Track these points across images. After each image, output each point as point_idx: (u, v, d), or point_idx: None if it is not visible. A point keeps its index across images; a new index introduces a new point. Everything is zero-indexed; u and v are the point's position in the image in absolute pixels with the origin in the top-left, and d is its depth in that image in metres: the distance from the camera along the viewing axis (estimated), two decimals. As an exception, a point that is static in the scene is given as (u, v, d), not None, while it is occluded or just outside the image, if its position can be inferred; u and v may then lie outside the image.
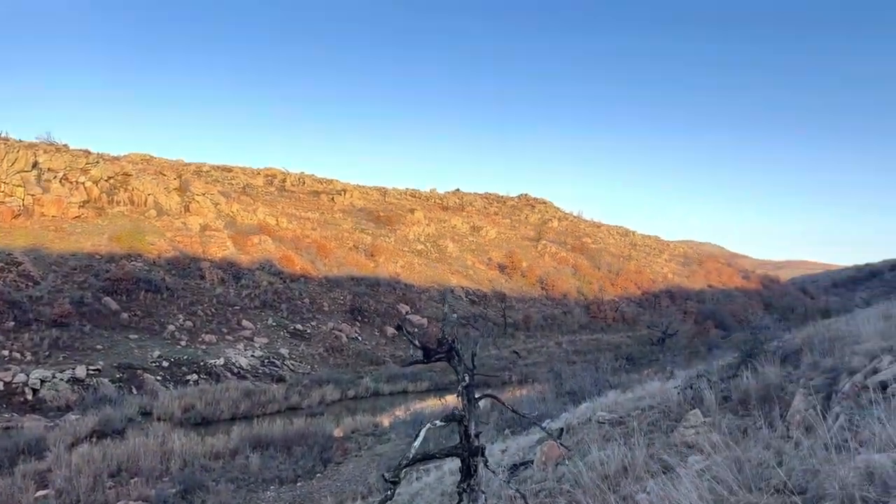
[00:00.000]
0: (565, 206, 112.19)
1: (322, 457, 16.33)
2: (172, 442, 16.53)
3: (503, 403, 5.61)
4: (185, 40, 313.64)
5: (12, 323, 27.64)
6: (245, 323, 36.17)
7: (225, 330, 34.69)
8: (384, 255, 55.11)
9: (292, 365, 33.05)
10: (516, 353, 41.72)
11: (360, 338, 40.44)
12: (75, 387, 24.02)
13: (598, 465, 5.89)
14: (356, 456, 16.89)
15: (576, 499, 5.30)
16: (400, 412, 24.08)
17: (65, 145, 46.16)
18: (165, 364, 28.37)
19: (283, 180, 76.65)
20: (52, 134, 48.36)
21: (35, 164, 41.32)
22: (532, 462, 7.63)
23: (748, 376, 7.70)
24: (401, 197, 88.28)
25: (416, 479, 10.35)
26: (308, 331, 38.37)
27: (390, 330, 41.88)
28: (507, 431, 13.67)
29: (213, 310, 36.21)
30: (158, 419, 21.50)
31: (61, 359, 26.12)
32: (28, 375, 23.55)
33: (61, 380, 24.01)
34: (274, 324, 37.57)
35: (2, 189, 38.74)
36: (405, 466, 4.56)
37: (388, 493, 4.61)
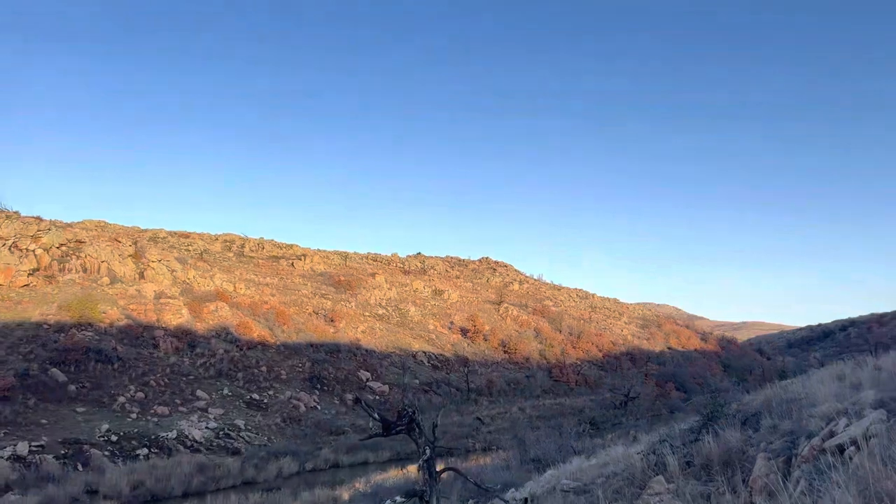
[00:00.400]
0: (526, 270, 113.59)
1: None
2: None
3: (465, 477, 5.47)
4: (142, 105, 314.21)
5: (-50, 398, 26.24)
6: (200, 393, 35.00)
7: (178, 401, 33.48)
8: (345, 320, 54.45)
9: (248, 436, 31.93)
10: (479, 419, 41.13)
11: (319, 407, 39.43)
12: (16, 465, 22.69)
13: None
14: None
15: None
16: (360, 485, 23.31)
17: (16, 212, 45.12)
18: (114, 438, 27.11)
19: (242, 246, 75.97)
20: (1, 201, 47.26)
21: (-17, 232, 40.14)
22: (496, 536, 7.41)
23: (710, 441, 7.71)
24: (362, 261, 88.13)
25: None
26: (265, 400, 37.29)
27: (350, 398, 41.00)
28: (470, 503, 13.33)
29: (166, 380, 35.01)
30: (105, 497, 20.38)
31: (2, 435, 24.76)
32: (-36, 454, 22.20)
33: (1, 458, 22.69)
34: (230, 393, 36.45)
35: (-54, 257, 37.41)
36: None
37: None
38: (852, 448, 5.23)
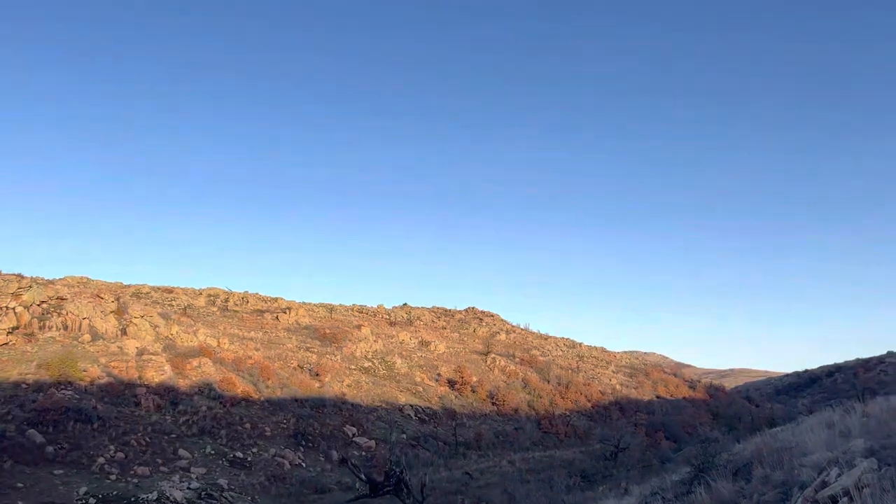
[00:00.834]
0: (512, 319, 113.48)
1: None
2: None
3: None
4: (126, 162, 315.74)
5: (-78, 462, 25.40)
6: (182, 452, 34.15)
7: (160, 460, 32.61)
8: (330, 374, 53.77)
9: (231, 496, 31.05)
10: (468, 474, 40.38)
11: (304, 464, 38.57)
12: (-12, 532, 21.89)
13: None
14: None
15: None
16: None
17: (-4, 269, 44.70)
18: (92, 501, 26.24)
19: (226, 300, 75.39)
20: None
21: (-38, 289, 39.62)
22: None
23: (702, 493, 7.61)
24: (348, 313, 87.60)
25: None
26: (249, 458, 36.43)
27: (336, 454, 40.18)
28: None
29: (147, 439, 34.16)
30: (80, 565, 19.60)
31: (-26, 501, 23.92)
32: (-66, 521, 21.38)
33: (-28, 525, 21.87)
34: (212, 452, 35.59)
35: (-77, 316, 36.79)
36: None
37: None
38: (845, 499, 5.20)
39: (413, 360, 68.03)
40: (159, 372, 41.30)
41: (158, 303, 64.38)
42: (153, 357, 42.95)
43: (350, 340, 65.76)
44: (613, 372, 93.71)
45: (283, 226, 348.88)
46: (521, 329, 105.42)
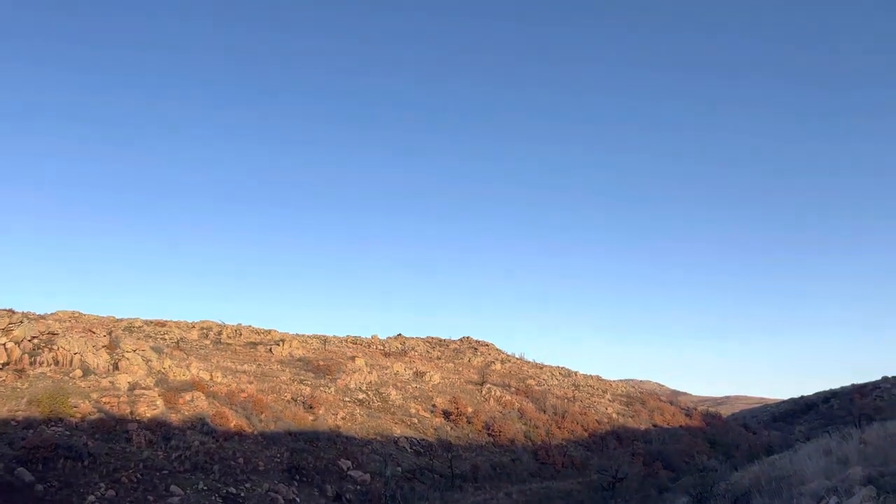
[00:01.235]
0: (507, 348, 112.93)
1: None
2: None
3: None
4: (114, 196, 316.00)
5: None
6: (174, 488, 33.59)
7: (151, 497, 32.05)
8: (324, 406, 53.26)
9: (225, 534, 30.52)
10: (465, 506, 39.85)
11: (298, 499, 37.98)
12: (-25, 575, 21.38)
13: None
14: None
15: None
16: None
17: (-13, 304, 44.37)
18: (82, 541, 25.74)
19: (219, 333, 74.88)
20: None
21: (-48, 325, 39.26)
22: None
23: (702, 524, 7.55)
24: (342, 344, 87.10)
25: None
26: (242, 494, 35.85)
27: (330, 489, 39.62)
28: None
29: (138, 475, 33.61)
30: None
31: (-39, 542, 23.42)
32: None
33: (-41, 567, 21.38)
34: (205, 487, 35.03)
35: (-88, 353, 36.37)
36: None
37: None
38: (845, 528, 5.18)
39: (408, 391, 67.51)
40: (151, 407, 40.82)
41: (151, 336, 63.90)
42: (145, 392, 42.48)
43: (344, 372, 65.28)
44: (609, 400, 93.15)
45: (277, 257, 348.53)
46: (517, 358, 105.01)
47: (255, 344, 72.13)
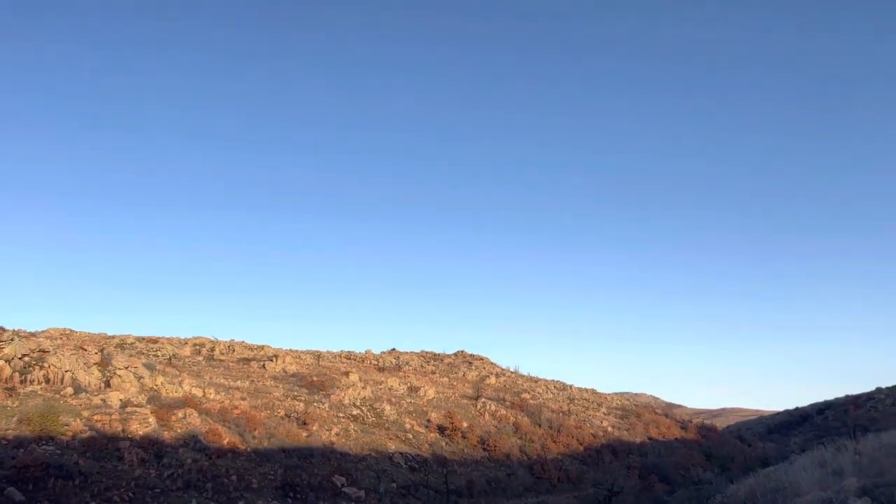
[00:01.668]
0: (502, 361, 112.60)
1: None
2: None
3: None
4: (105, 215, 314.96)
5: None
6: (166, 507, 33.24)
7: (143, 517, 31.72)
8: (318, 422, 52.93)
9: (218, 553, 30.18)
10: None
11: (292, 516, 37.65)
12: None
13: None
14: None
15: None
16: None
17: (-22, 322, 44.02)
18: (72, 562, 25.41)
19: (212, 349, 74.48)
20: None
21: (-58, 344, 38.93)
22: None
23: (698, 537, 7.53)
24: (335, 360, 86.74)
25: None
26: (236, 512, 35.52)
27: (326, 505, 39.26)
28: None
29: (130, 494, 33.26)
30: None
31: (-51, 564, 23.07)
32: None
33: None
34: (198, 506, 34.68)
35: None
36: None
37: None
38: (840, 540, 5.17)
39: (402, 406, 67.20)
40: (143, 424, 40.49)
41: (143, 353, 63.49)
42: (137, 409, 42.15)
43: (338, 388, 64.96)
44: (605, 414, 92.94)
45: (269, 270, 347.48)
46: (511, 372, 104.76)
47: (248, 360, 71.76)
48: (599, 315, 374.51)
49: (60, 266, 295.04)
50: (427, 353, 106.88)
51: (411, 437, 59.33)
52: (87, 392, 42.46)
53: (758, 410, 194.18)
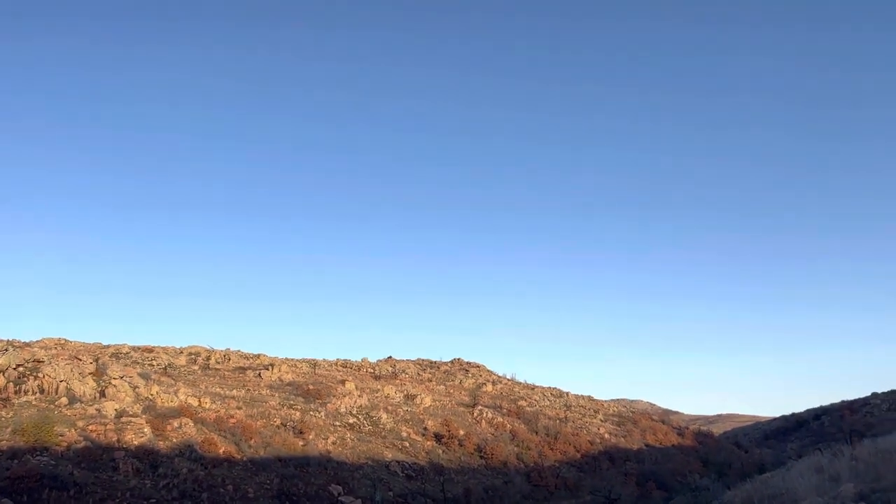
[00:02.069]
0: (498, 369, 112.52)
1: None
2: None
3: None
4: (100, 222, 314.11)
5: None
6: (161, 518, 33.06)
7: (138, 528, 31.53)
8: (314, 431, 52.74)
9: (214, 563, 30.00)
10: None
11: (289, 526, 37.45)
12: None
13: None
14: None
15: None
16: None
17: (-28, 332, 43.83)
18: (67, 574, 25.22)
19: (208, 358, 74.21)
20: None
21: (-64, 354, 38.71)
22: None
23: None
24: (331, 368, 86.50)
25: None
26: (232, 522, 35.32)
27: (322, 515, 39.08)
28: None
29: (125, 505, 33.07)
30: None
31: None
32: None
33: None
34: (194, 517, 34.49)
35: None
36: None
37: None
38: (837, 547, 5.18)
39: (399, 414, 67.02)
40: (139, 434, 40.28)
41: (138, 363, 63.23)
42: (132, 419, 41.94)
43: (334, 396, 64.77)
44: (602, 421, 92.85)
45: (265, 277, 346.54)
46: (508, 379, 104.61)
47: (243, 369, 71.51)
48: (595, 322, 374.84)
49: (55, 275, 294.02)
50: (423, 360, 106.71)
51: (408, 445, 59.15)
52: (81, 402, 42.24)
53: (754, 416, 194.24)
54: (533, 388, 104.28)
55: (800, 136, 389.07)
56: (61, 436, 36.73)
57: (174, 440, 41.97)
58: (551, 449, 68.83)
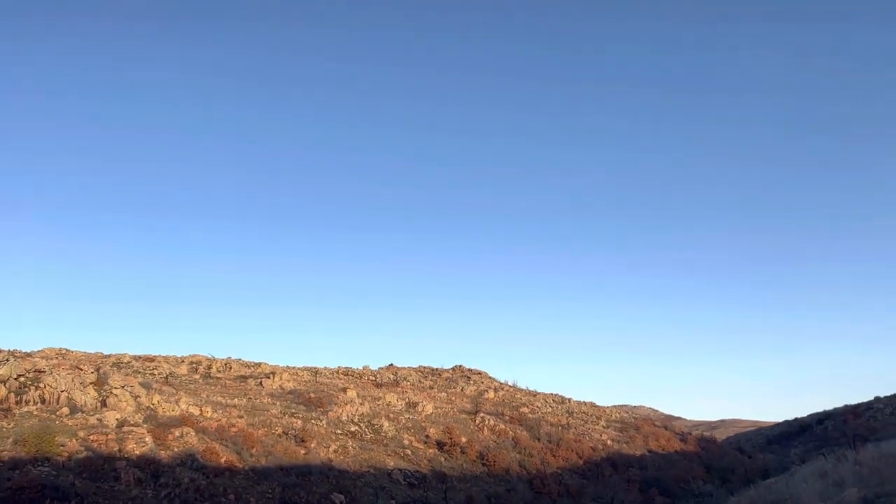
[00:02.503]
0: (500, 376, 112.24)
1: None
2: None
3: None
4: (101, 226, 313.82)
5: None
6: (163, 528, 32.96)
7: (140, 538, 31.44)
8: (316, 439, 52.63)
9: (216, 573, 29.90)
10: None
11: (291, 535, 37.33)
12: None
13: None
14: None
15: None
16: None
17: (-27, 343, 43.81)
18: (68, 585, 25.13)
19: (209, 367, 74.15)
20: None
21: (-63, 365, 38.70)
22: None
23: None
24: (333, 376, 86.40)
25: None
26: (234, 531, 35.21)
27: (324, 523, 38.96)
28: None
29: (127, 515, 33.00)
30: None
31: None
32: None
33: None
34: (196, 526, 34.39)
35: None
36: None
37: None
38: (842, 552, 5.15)
39: (400, 422, 66.88)
40: (140, 444, 40.21)
41: (139, 372, 63.19)
42: (134, 428, 41.88)
43: (336, 404, 64.64)
44: (604, 427, 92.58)
45: (264, 285, 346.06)
46: (510, 386, 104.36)
47: (244, 377, 71.44)
48: (597, 327, 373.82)
49: (55, 285, 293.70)
50: (425, 367, 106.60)
51: (410, 453, 59.01)
52: (83, 412, 42.19)
53: (757, 422, 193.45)
54: (535, 394, 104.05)
55: (804, 134, 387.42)
56: (63, 446, 36.67)
57: (176, 449, 41.88)
58: (554, 456, 68.61)
